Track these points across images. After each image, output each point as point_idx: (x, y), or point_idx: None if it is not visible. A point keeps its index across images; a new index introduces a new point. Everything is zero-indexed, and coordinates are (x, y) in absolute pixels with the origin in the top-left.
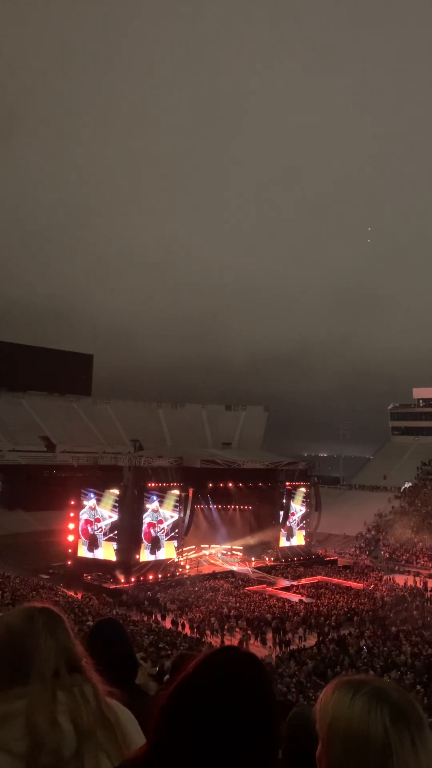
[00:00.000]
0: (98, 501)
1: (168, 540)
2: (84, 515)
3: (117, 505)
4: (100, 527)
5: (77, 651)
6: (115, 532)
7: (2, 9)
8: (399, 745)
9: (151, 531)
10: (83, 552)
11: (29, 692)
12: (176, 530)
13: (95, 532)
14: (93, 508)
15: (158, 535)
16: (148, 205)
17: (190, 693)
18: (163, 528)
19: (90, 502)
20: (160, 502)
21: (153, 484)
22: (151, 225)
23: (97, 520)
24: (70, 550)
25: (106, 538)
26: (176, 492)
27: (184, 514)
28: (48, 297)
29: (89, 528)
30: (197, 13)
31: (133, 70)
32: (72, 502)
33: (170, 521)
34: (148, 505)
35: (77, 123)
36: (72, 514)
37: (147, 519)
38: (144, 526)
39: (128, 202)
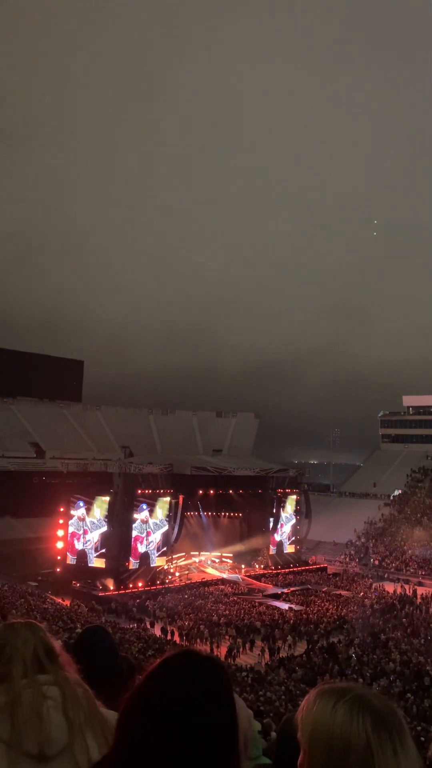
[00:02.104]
0: (87, 510)
1: (159, 556)
2: (72, 528)
3: (108, 515)
4: (89, 540)
5: (54, 644)
6: (104, 549)
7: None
8: (380, 753)
9: (139, 546)
10: (72, 560)
11: (12, 686)
12: (166, 546)
13: (85, 547)
14: (82, 519)
15: (148, 549)
16: (142, 216)
17: (147, 697)
18: (153, 542)
19: (78, 512)
20: (150, 512)
21: (143, 491)
22: (144, 235)
23: (86, 532)
24: (59, 557)
25: (97, 554)
26: (167, 499)
27: (174, 522)
28: (41, 305)
29: (77, 542)
30: (193, 28)
31: (129, 84)
32: (61, 509)
33: (159, 532)
34: (136, 515)
35: (73, 135)
36: (61, 521)
37: (135, 533)
38: (132, 542)
39: (122, 213)
